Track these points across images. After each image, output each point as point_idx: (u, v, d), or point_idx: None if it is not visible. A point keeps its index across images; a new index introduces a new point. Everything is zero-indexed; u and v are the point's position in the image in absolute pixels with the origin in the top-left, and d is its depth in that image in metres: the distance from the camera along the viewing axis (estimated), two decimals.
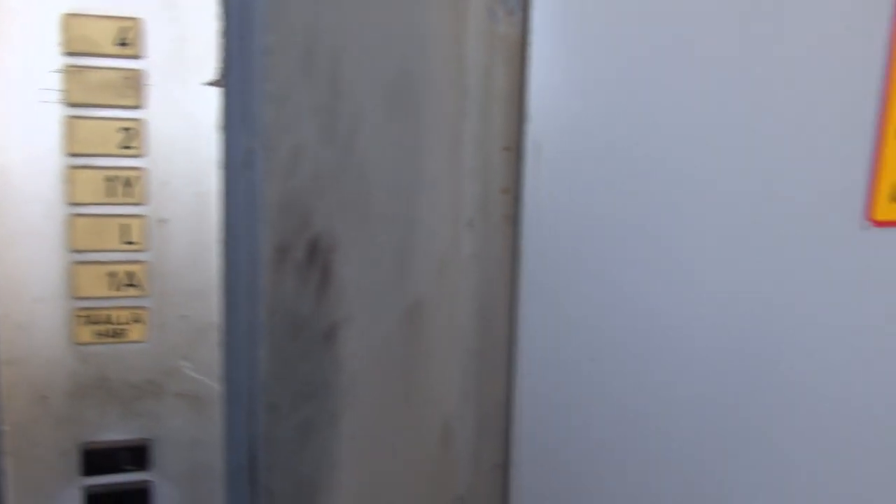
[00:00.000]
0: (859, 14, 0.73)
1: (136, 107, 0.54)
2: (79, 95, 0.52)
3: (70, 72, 0.52)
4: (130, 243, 0.54)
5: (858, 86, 0.75)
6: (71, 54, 0.51)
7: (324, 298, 0.54)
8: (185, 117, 0.54)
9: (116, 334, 0.55)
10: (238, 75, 0.56)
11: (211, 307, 0.57)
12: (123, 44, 0.52)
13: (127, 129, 0.53)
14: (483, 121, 0.68)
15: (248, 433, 0.60)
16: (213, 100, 0.55)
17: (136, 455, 0.55)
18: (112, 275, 0.54)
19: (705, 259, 0.74)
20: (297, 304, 0.54)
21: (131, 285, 0.54)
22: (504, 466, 0.75)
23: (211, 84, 0.54)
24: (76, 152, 0.53)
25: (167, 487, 0.57)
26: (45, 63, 0.51)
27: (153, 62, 0.53)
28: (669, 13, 0.69)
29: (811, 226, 0.76)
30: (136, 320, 0.55)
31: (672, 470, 0.78)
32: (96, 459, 0.55)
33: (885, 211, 0.77)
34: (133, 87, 0.53)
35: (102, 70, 0.52)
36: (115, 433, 0.56)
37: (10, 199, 0.51)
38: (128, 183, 0.54)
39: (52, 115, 0.52)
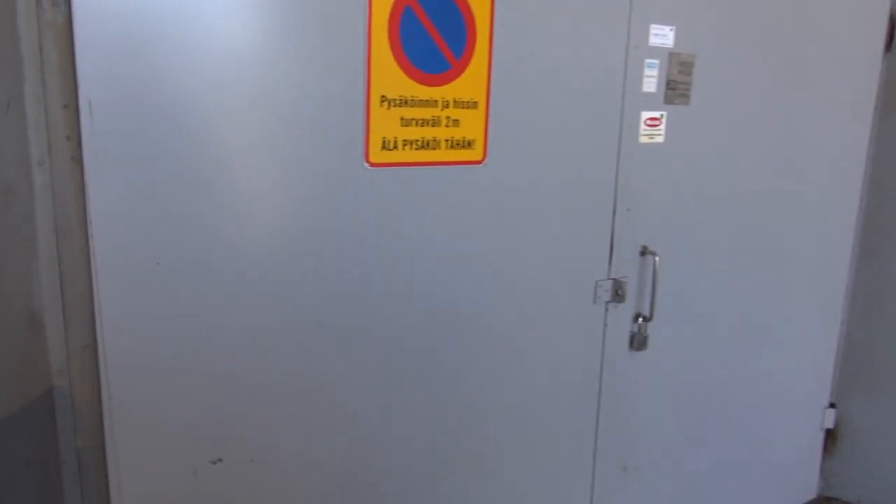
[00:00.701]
0: (341, 18, 1.05)
1: None
2: None
3: None
4: None
5: (351, 73, 1.07)
6: None
7: None
8: None
9: None
10: None
11: None
12: None
13: None
14: (42, 84, 0.90)
15: None
16: None
17: None
18: None
19: (260, 179, 1.04)
20: None
21: None
22: (93, 347, 1.01)
23: None
24: None
25: None
26: None
27: None
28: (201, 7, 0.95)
29: (331, 167, 1.09)
30: None
31: (237, 332, 1.08)
32: None
33: (377, 156, 1.11)
34: None
35: None
36: None
37: None
38: None
39: None
